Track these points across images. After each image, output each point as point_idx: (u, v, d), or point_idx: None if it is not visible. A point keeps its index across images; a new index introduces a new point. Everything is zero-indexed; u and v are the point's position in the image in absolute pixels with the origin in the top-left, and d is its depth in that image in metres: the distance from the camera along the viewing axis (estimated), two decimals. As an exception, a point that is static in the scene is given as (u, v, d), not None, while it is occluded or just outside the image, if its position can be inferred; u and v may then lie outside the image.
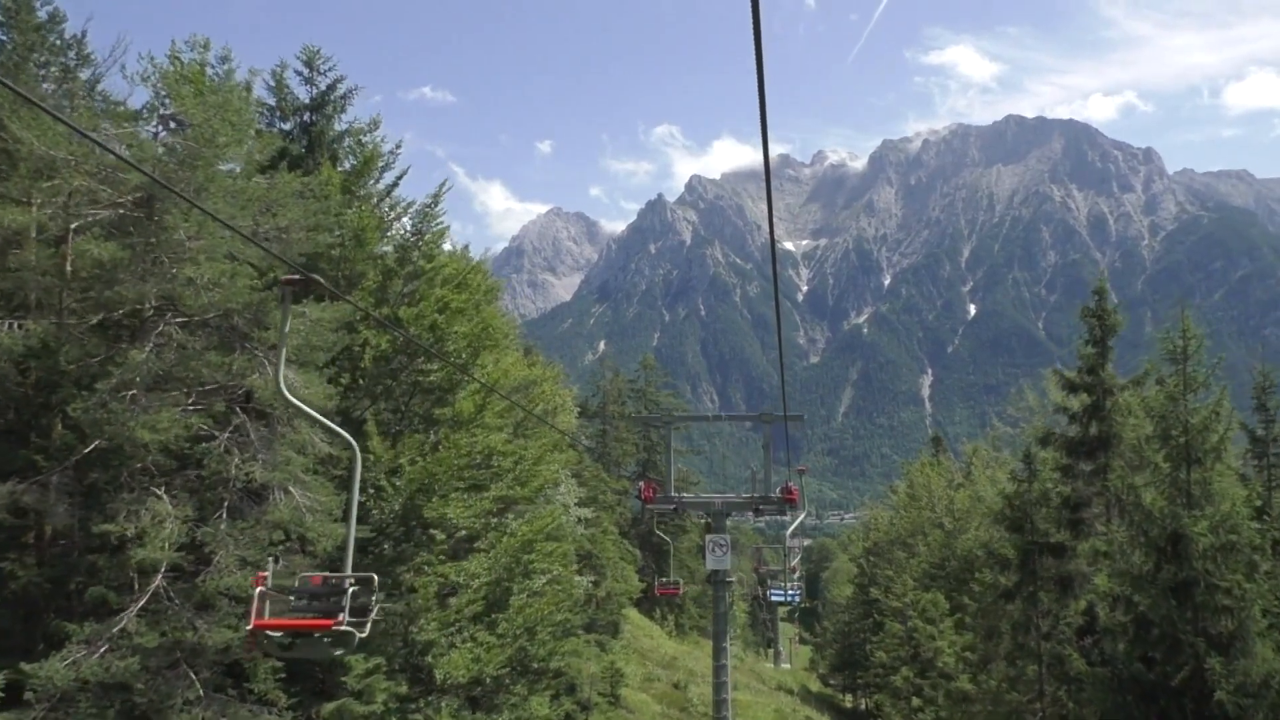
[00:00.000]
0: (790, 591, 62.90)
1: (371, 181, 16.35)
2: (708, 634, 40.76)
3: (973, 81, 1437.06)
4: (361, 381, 16.49)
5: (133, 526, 11.62)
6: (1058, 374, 17.09)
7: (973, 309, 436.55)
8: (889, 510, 49.29)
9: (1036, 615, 16.12)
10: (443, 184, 16.87)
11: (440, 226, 16.76)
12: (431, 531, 17.41)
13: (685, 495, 17.99)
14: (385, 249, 16.95)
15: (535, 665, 16.01)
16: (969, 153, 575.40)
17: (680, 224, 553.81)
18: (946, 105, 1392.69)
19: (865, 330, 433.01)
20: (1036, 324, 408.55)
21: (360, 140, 16.48)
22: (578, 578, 31.58)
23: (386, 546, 15.29)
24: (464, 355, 16.32)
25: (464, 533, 17.73)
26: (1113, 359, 16.35)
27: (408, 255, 16.54)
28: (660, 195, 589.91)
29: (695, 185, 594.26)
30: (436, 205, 16.65)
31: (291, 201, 13.34)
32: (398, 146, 16.93)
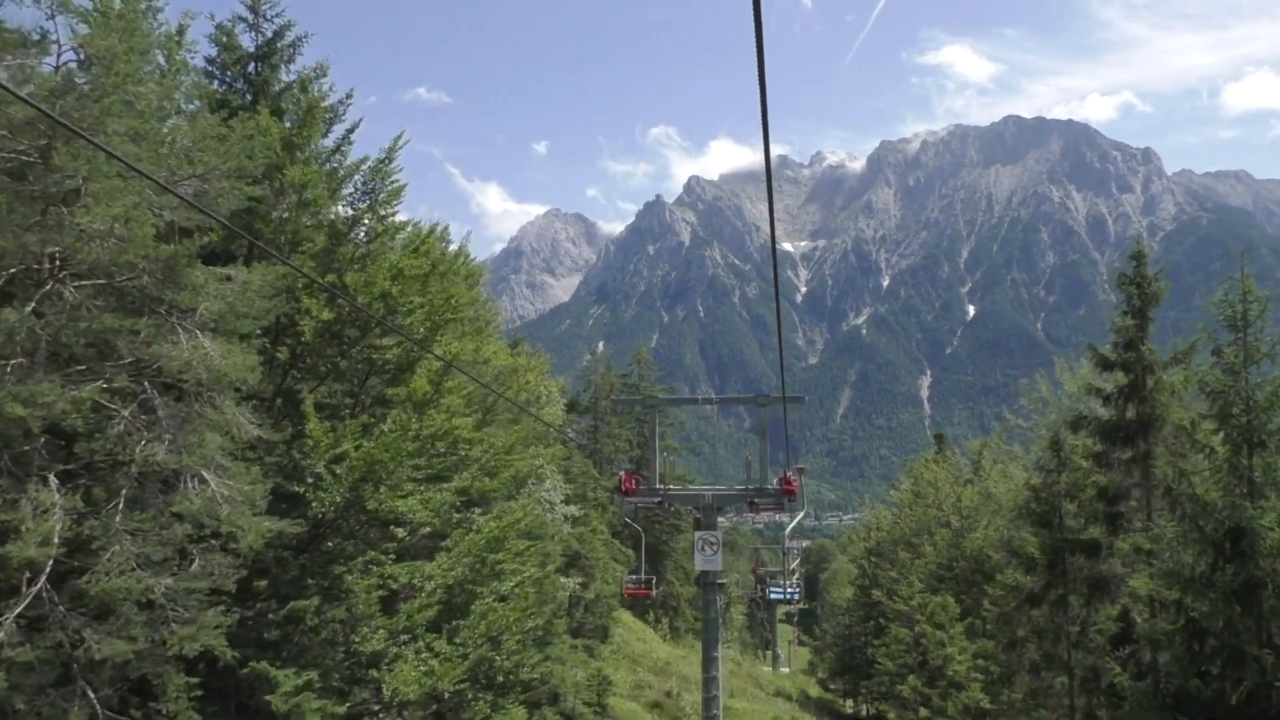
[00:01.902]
0: (789, 590, 61.53)
1: (319, 136, 14.52)
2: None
3: (970, 81, 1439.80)
4: (309, 360, 14.70)
5: (14, 519, 9.83)
6: (1093, 350, 15.29)
7: (971, 310, 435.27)
8: (891, 509, 47.53)
9: (1066, 622, 14.33)
10: (398, 137, 15.07)
11: (395, 184, 14.95)
12: (391, 528, 15.66)
13: (672, 487, 16.17)
14: (337, 211, 15.14)
15: (500, 678, 14.21)
16: (967, 154, 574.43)
17: (679, 225, 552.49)
18: (944, 105, 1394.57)
19: (864, 331, 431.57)
20: (1035, 325, 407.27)
21: (305, 88, 14.67)
22: (563, 579, 29.81)
23: (332, 543, 13.49)
24: (421, 329, 14.51)
25: (428, 529, 15.97)
26: (1153, 332, 14.62)
27: (359, 217, 14.74)
28: (659, 196, 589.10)
29: (694, 186, 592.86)
30: (391, 161, 14.82)
31: (211, 145, 11.53)
32: (348, 96, 15.13)
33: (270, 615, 11.55)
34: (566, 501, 31.69)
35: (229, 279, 12.13)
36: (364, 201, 14.88)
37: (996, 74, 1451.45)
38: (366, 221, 15.08)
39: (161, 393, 11.16)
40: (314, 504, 12.73)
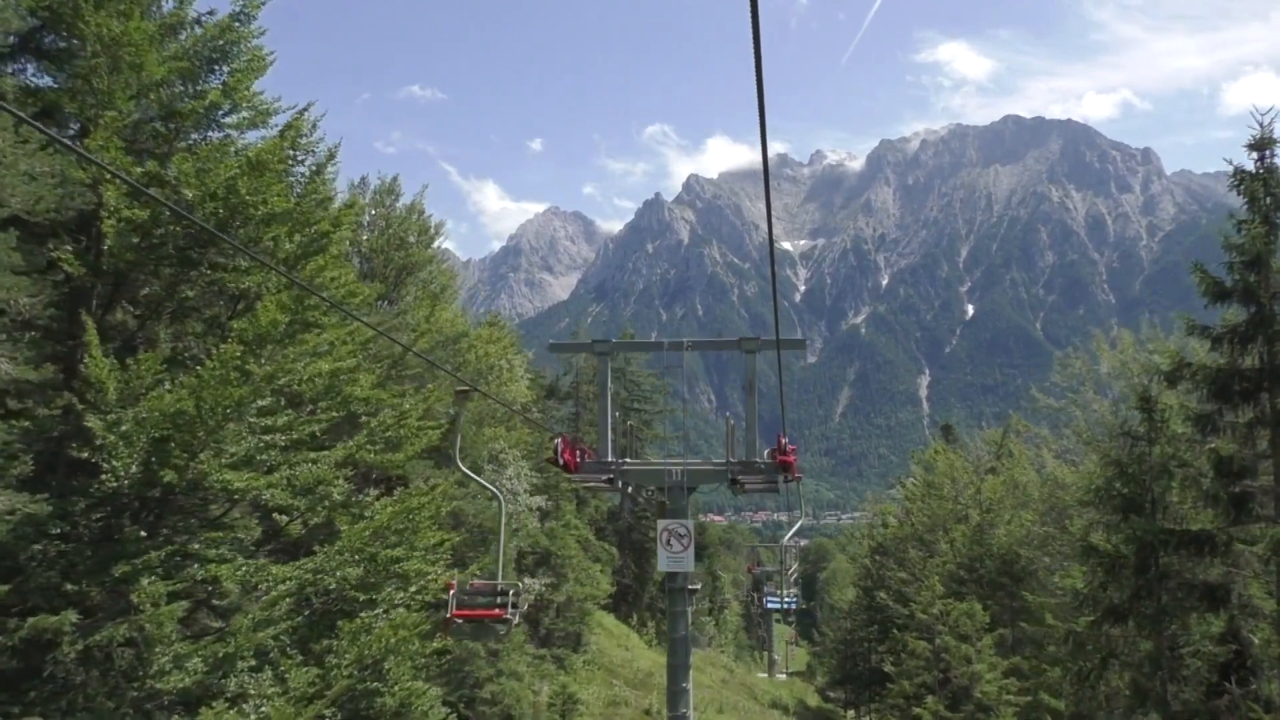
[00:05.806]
0: (788, 599, 58.01)
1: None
2: (696, 642, 33.89)
3: (968, 79, 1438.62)
4: (123, 280, 10.87)
5: None
6: (1200, 272, 11.41)
7: (970, 309, 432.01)
8: (898, 504, 43.74)
9: (1163, 644, 10.55)
10: (257, -13, 11.26)
11: (257, 52, 11.14)
12: (275, 516, 11.83)
13: (627, 460, 12.36)
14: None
15: (385, 721, 10.43)
16: (967, 153, 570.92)
17: (678, 223, 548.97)
18: (942, 104, 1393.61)
19: (863, 330, 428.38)
20: (1034, 324, 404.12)
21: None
22: (526, 580, 26.10)
23: (146, 532, 9.64)
24: (287, 245, 10.67)
25: (323, 517, 12.16)
26: (1284, 248, 10.82)
27: (203, 92, 10.90)
28: (658, 194, 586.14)
29: (692, 184, 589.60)
30: (250, 20, 11.02)
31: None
32: (196, -68, 11.32)
33: (1, 638, 7.71)
34: (533, 492, 27.91)
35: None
36: (210, 73, 11.04)
37: (994, 72, 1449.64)
38: (220, 104, 11.24)
39: None
40: (105, 477, 8.90)
